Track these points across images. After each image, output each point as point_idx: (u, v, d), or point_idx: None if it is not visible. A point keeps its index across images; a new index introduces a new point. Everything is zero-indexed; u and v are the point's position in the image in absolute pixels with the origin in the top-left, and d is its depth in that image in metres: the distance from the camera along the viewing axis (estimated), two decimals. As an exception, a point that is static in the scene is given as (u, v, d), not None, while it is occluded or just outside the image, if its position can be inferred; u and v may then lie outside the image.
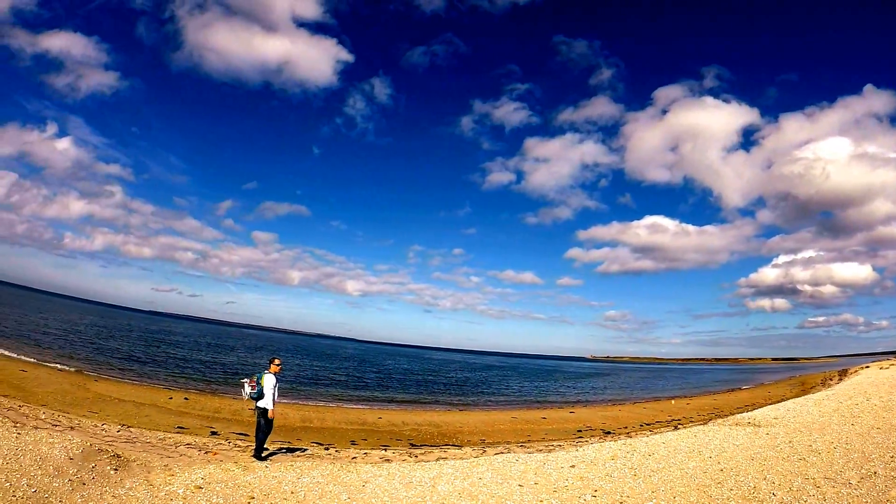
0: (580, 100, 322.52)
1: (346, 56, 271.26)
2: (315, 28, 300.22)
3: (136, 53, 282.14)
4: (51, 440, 11.08)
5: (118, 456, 11.65)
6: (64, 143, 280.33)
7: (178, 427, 22.09)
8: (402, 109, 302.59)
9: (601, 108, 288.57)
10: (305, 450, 18.86)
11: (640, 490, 10.91)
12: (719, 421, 22.53)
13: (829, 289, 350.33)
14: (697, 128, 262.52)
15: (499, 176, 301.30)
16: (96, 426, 18.03)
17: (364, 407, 35.75)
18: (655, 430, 26.86)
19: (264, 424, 16.06)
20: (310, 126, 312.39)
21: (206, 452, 15.80)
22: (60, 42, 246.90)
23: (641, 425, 30.95)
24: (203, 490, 10.01)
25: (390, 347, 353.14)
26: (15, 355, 36.41)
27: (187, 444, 17.05)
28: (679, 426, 28.15)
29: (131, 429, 19.02)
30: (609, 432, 28.14)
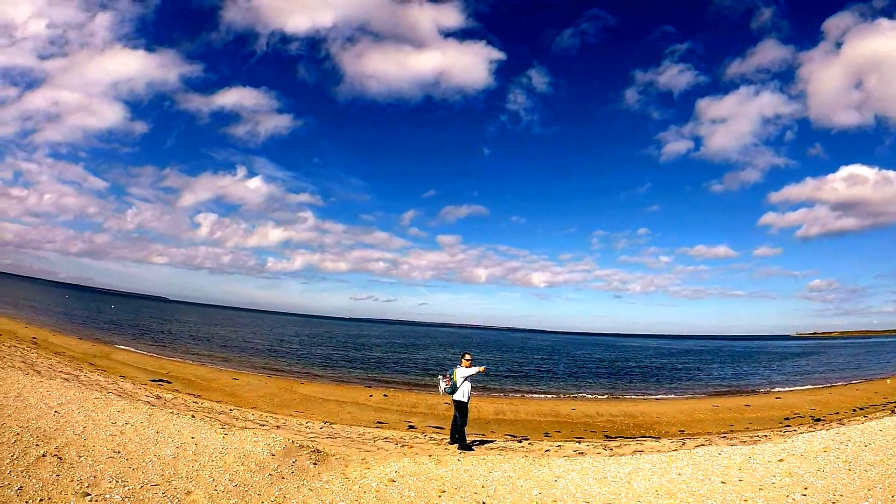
0: (746, 48, 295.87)
1: (497, 55, 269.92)
2: (462, 35, 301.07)
3: (303, 94, 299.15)
4: (255, 439, 11.41)
5: (318, 451, 11.79)
6: (255, 182, 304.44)
7: (378, 422, 22.62)
8: (562, 95, 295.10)
9: (770, 52, 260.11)
10: (496, 441, 18.52)
11: (854, 487, 9.24)
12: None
13: None
14: (878, 56, 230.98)
15: (675, 146, 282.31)
16: (300, 424, 18.75)
17: (557, 398, 34.99)
18: (870, 416, 23.95)
19: (460, 417, 15.98)
20: (476, 129, 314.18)
21: (402, 446, 15.82)
22: (233, 97, 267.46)
23: (854, 410, 27.91)
24: (396, 483, 9.80)
25: (580, 337, 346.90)
26: (227, 367, 39.31)
27: (385, 439, 17.21)
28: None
29: (333, 425, 19.62)
30: (819, 419, 25.47)
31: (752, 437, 19.75)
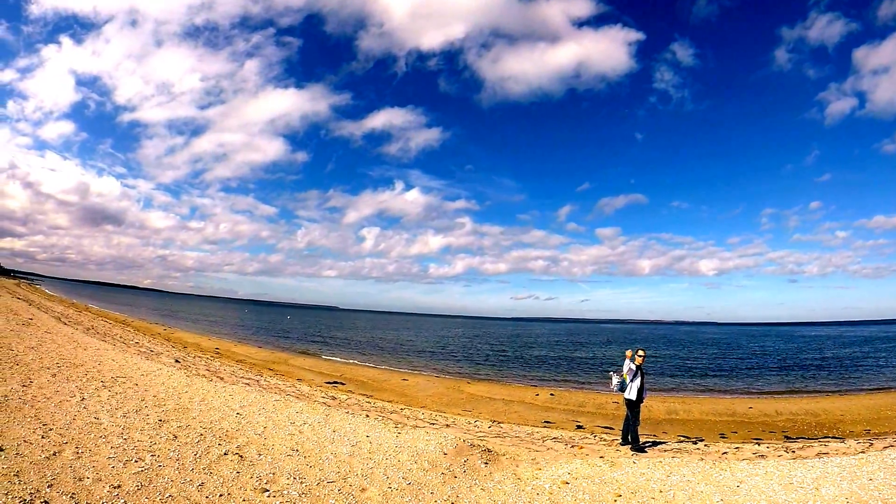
0: None
1: (635, 35, 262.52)
2: (595, 21, 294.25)
3: (447, 106, 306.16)
4: (427, 437, 11.48)
5: (488, 450, 11.67)
6: (412, 194, 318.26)
7: (545, 422, 22.26)
8: (710, 65, 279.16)
9: None
10: (669, 443, 17.64)
11: None
12: None
13: None
14: None
15: (838, 105, 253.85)
16: (469, 423, 18.81)
17: (732, 396, 32.82)
18: None
19: (631, 416, 15.35)
20: (625, 114, 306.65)
21: (571, 447, 15.39)
22: (382, 119, 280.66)
23: None
24: (570, 486, 9.45)
25: (753, 328, 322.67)
26: (397, 368, 40.58)
27: (554, 439, 16.85)
28: None
29: (501, 425, 19.53)
30: None
31: None
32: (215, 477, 8.45)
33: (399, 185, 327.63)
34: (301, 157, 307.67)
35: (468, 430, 16.89)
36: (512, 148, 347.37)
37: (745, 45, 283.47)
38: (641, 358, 15.53)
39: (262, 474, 8.72)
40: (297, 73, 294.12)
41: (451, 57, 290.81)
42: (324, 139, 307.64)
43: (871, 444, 16.73)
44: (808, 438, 20.02)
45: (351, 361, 43.03)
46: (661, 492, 9.43)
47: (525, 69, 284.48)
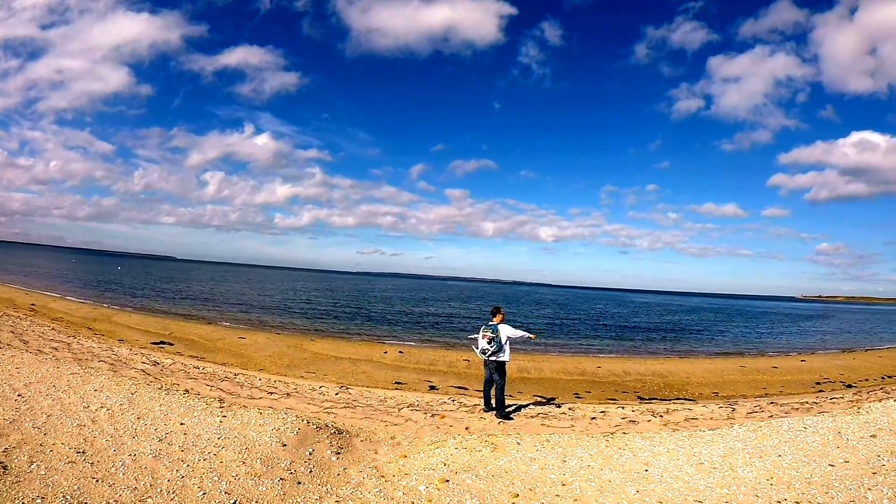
0: (759, 8, 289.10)
1: (508, 9, 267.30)
2: None
3: (309, 50, 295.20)
4: (261, 421, 8.95)
5: (339, 431, 9.39)
6: (263, 139, 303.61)
7: (396, 382, 20.47)
8: (575, 49, 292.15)
9: (784, 14, 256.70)
10: (529, 406, 16.25)
11: None
12: None
13: None
14: (894, 24, 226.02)
15: (686, 103, 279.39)
16: (314, 389, 16.28)
17: (578, 355, 32.66)
18: None
19: (499, 380, 13.68)
20: (486, 83, 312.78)
21: (431, 415, 13.40)
22: (237, 56, 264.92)
23: (883, 378, 26.71)
24: (451, 484, 7.27)
25: (587, 291, 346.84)
26: (234, 325, 36.99)
27: (410, 406, 14.74)
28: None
29: (350, 389, 17.18)
30: (850, 385, 24.24)
31: (801, 402, 17.79)
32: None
33: (249, 129, 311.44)
34: (145, 90, 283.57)
35: (313, 400, 14.41)
36: (371, 101, 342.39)
37: (610, 36, 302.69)
38: (502, 317, 14.08)
39: (26, 499, 5.97)
40: None
41: (321, 1, 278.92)
42: (172, 72, 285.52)
43: (734, 409, 16.36)
44: (661, 399, 20.12)
45: (183, 318, 38.83)
46: (562, 485, 7.46)
47: (395, 24, 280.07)
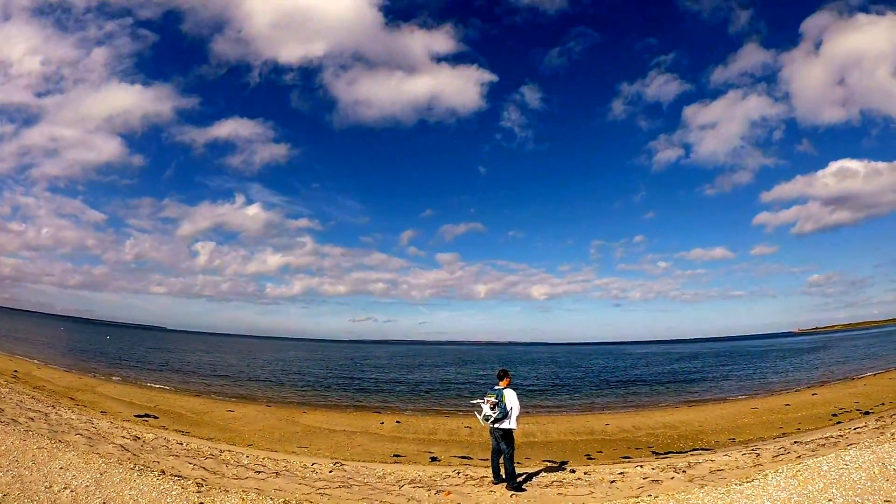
0: (727, 54, 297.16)
1: (489, 76, 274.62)
2: (454, 59, 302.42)
3: (297, 122, 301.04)
4: (241, 508, 7.84)
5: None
6: (253, 209, 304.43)
7: (395, 455, 19.12)
8: (554, 110, 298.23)
9: (752, 56, 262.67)
10: (541, 473, 14.93)
11: None
12: None
13: None
14: (859, 51, 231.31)
15: (666, 154, 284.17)
16: (306, 467, 14.85)
17: (583, 413, 31.45)
18: None
19: (507, 449, 12.55)
20: (471, 148, 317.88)
21: (436, 492, 12.10)
22: (228, 128, 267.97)
23: None
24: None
25: (583, 347, 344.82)
26: (223, 397, 35.46)
27: (411, 482, 13.41)
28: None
29: (345, 465, 15.72)
30: (868, 412, 23.57)
31: (825, 438, 16.85)
32: None
33: (240, 199, 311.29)
34: (137, 160, 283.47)
35: (305, 479, 13.07)
36: (359, 170, 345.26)
37: (587, 95, 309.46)
38: (508, 380, 13.08)
39: None
40: (147, 69, 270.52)
41: (308, 74, 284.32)
42: (164, 144, 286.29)
43: (758, 454, 15.34)
44: (678, 452, 19.20)
45: (171, 389, 37.30)
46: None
47: (380, 95, 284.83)
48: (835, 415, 24.30)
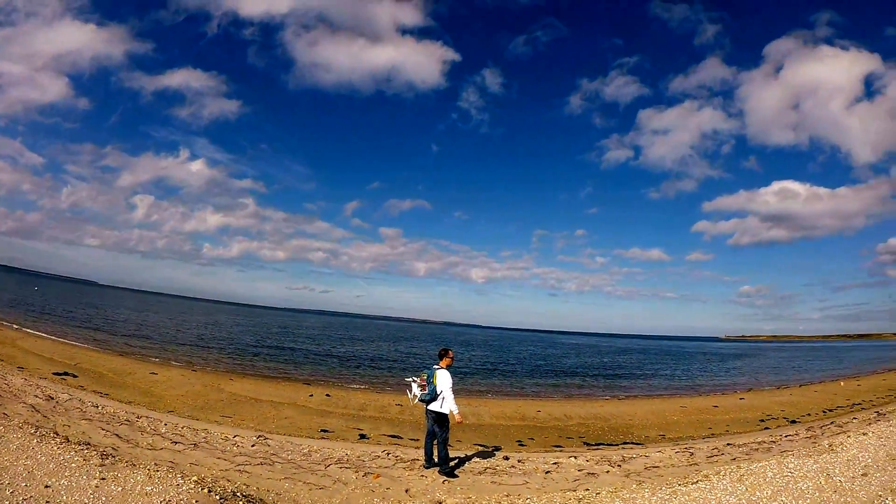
0: (689, 64, 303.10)
1: (452, 55, 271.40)
2: (419, 33, 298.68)
3: (252, 79, 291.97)
4: (148, 488, 7.02)
5: (250, 502, 7.54)
6: (197, 165, 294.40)
7: (323, 430, 18.41)
8: (514, 97, 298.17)
9: (712, 71, 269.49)
10: (475, 459, 14.43)
11: None
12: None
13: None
14: (817, 81, 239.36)
15: (616, 153, 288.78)
16: (227, 439, 13.95)
17: (516, 398, 31.48)
18: (841, 416, 23.04)
19: (440, 432, 11.97)
20: (426, 125, 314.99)
21: (364, 474, 11.45)
22: (179, 78, 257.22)
23: (824, 411, 26.42)
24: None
25: (517, 332, 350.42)
26: (149, 358, 34.09)
27: (339, 461, 12.66)
28: (864, 410, 25.01)
29: (269, 439, 14.82)
30: (794, 421, 23.89)
31: (758, 443, 16.76)
32: None
33: (184, 154, 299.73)
34: (83, 104, 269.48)
35: (224, 453, 12.21)
36: (310, 135, 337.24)
37: (547, 86, 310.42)
38: (450, 360, 12.50)
39: None
40: (102, 8, 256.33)
41: (268, 30, 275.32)
42: (112, 89, 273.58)
43: (692, 453, 15.21)
44: (609, 444, 19.22)
45: (95, 347, 35.70)
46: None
47: (340, 60, 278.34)
48: (762, 420, 24.70)
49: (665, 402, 31.97)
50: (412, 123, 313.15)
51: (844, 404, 28.76)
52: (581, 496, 9.11)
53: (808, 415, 25.75)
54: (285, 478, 10.44)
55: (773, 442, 16.48)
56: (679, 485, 9.12)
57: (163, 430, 13.74)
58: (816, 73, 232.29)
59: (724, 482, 8.98)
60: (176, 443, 12.36)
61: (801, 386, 41.85)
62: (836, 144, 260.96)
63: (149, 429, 13.68)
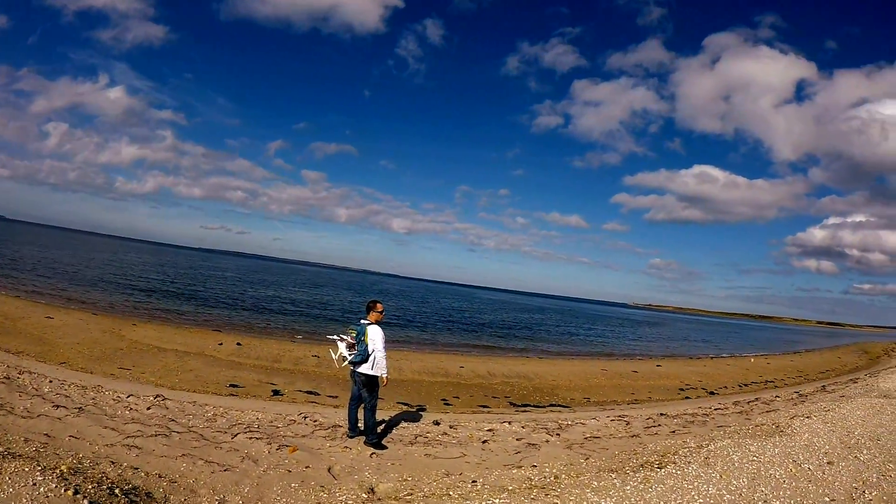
0: (629, 43, 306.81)
1: (395, 1, 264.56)
2: None
3: (181, 4, 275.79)
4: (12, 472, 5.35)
5: (133, 496, 5.95)
6: (116, 92, 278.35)
7: (232, 385, 16.87)
8: (454, 51, 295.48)
9: (651, 52, 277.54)
10: (403, 423, 13.06)
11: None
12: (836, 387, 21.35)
13: (877, 256, 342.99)
14: (750, 77, 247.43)
15: (546, 119, 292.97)
16: (119, 400, 11.92)
17: (437, 353, 30.70)
18: (758, 392, 24.44)
19: (369, 398, 10.49)
20: (360, 69, 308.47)
21: (278, 447, 9.89)
22: None
23: (739, 385, 27.70)
24: None
25: (435, 285, 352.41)
26: (45, 300, 31.24)
27: (248, 429, 10.93)
28: (777, 388, 26.45)
29: (168, 399, 12.82)
30: (712, 392, 24.93)
31: (692, 415, 16.14)
32: None
33: (103, 79, 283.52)
34: (1, 21, 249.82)
35: (114, 419, 10.25)
36: (238, 68, 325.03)
37: (487, 45, 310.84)
38: (380, 314, 10.97)
39: None
40: None
41: None
42: (32, 5, 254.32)
43: (628, 423, 14.40)
44: (535, 406, 19.06)
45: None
46: None
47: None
48: (682, 389, 25.22)
49: (586, 363, 32.35)
50: (346, 66, 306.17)
51: (758, 380, 30.02)
52: (539, 483, 7.94)
53: (725, 387, 26.63)
54: (183, 454, 8.76)
55: (706, 415, 16.07)
56: (650, 471, 8.12)
57: (46, 390, 11.71)
58: (752, 70, 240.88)
59: (693, 467, 8.29)
60: (58, 407, 10.44)
61: (712, 358, 44.15)
62: (760, 139, 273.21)
63: (30, 388, 11.66)
